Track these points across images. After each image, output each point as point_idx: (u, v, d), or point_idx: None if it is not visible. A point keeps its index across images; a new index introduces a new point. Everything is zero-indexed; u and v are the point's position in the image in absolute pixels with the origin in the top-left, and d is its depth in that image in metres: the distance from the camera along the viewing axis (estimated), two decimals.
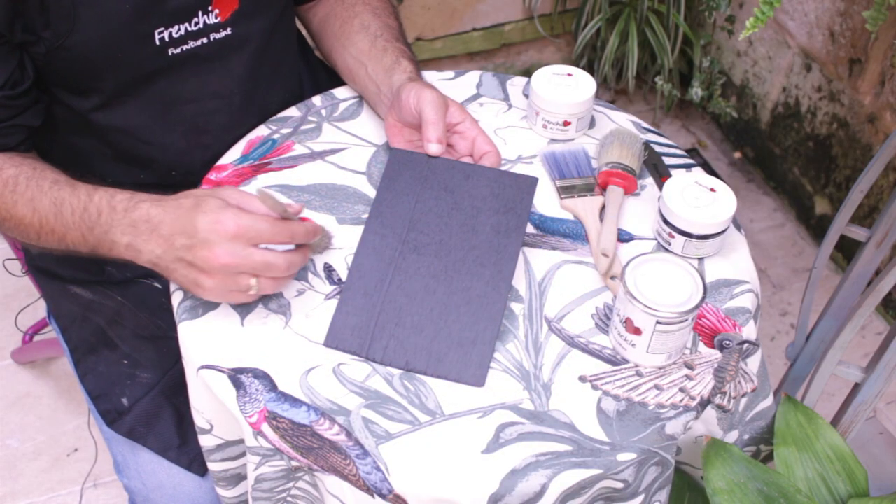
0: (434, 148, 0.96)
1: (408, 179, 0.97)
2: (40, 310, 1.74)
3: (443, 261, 0.92)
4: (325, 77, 1.26)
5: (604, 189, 1.03)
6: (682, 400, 0.86)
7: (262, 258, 0.82)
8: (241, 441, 0.93)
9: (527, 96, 1.15)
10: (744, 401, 0.94)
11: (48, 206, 0.91)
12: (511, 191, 0.96)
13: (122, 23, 0.92)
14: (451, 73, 1.19)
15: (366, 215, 0.98)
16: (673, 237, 0.96)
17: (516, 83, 1.18)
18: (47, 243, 0.94)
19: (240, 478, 0.99)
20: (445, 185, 0.96)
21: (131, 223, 0.85)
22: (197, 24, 0.97)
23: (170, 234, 0.83)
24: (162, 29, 0.95)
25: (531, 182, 0.96)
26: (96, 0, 0.90)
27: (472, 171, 0.97)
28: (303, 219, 0.89)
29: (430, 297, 0.90)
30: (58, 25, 0.89)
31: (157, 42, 0.95)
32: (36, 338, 1.75)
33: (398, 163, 0.98)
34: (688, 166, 1.09)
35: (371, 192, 1.02)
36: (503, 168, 1.04)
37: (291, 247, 0.86)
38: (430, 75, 1.16)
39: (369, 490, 0.80)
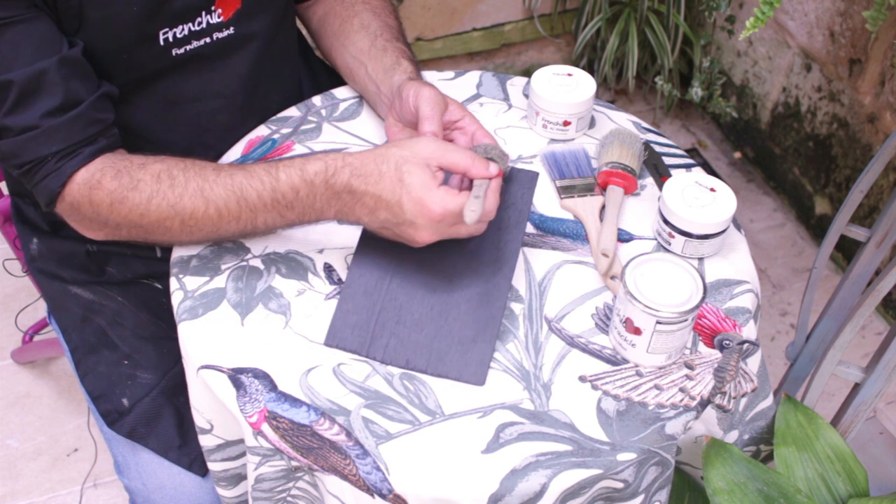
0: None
1: None
2: (40, 310, 1.74)
3: (443, 259, 0.92)
4: (326, 77, 1.26)
5: (604, 189, 1.03)
6: (682, 400, 0.86)
7: (467, 233, 0.87)
8: (242, 441, 0.93)
9: (527, 96, 1.15)
10: (744, 401, 0.94)
11: (224, 194, 0.88)
12: (512, 186, 0.95)
13: (128, 24, 0.92)
14: (451, 73, 1.19)
15: None
16: (673, 237, 0.96)
17: (516, 83, 1.18)
18: (226, 232, 0.91)
19: (240, 478, 0.99)
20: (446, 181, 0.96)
21: (335, 194, 0.87)
22: (200, 23, 0.97)
23: (374, 208, 0.86)
24: (166, 29, 0.95)
25: (532, 177, 0.96)
26: (104, 1, 0.90)
27: None
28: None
29: (430, 295, 0.90)
30: (65, 25, 0.89)
31: (162, 42, 0.96)
32: (36, 338, 1.75)
33: None
34: (688, 166, 1.09)
35: None
36: None
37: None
38: (430, 75, 1.16)
39: (369, 490, 0.80)
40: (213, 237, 0.93)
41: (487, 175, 0.86)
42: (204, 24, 0.97)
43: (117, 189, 0.89)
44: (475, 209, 0.83)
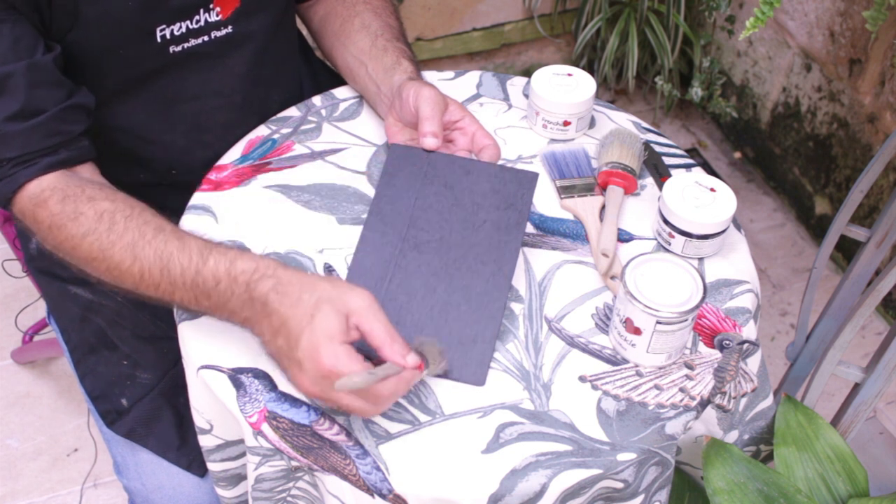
0: (429, 142, 0.95)
1: (407, 175, 0.97)
2: (40, 310, 1.74)
3: (443, 258, 0.92)
4: (326, 77, 1.26)
5: (604, 189, 1.03)
6: (682, 400, 0.86)
7: (347, 404, 0.78)
8: (241, 441, 0.93)
9: (527, 96, 1.15)
10: (744, 401, 0.94)
11: (152, 258, 0.85)
12: (511, 186, 0.95)
13: (123, 20, 0.92)
14: (451, 73, 1.19)
15: (366, 215, 0.98)
16: (673, 237, 0.96)
17: (516, 83, 1.18)
18: (145, 293, 0.87)
19: (240, 478, 0.99)
20: (445, 180, 0.96)
21: (250, 299, 0.81)
22: (198, 21, 0.97)
23: (276, 330, 0.79)
24: (164, 26, 0.95)
25: (532, 177, 0.96)
26: None
27: (472, 167, 0.97)
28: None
29: (430, 295, 0.90)
30: (59, 21, 0.89)
31: (159, 40, 0.95)
32: (36, 338, 1.75)
33: (397, 158, 0.98)
34: (688, 166, 1.09)
35: (371, 192, 1.02)
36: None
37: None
38: (430, 75, 1.16)
39: (369, 490, 0.80)
40: (134, 293, 0.88)
41: (400, 363, 0.78)
42: (202, 22, 0.97)
43: (59, 214, 0.87)
44: (357, 381, 0.74)
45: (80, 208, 0.87)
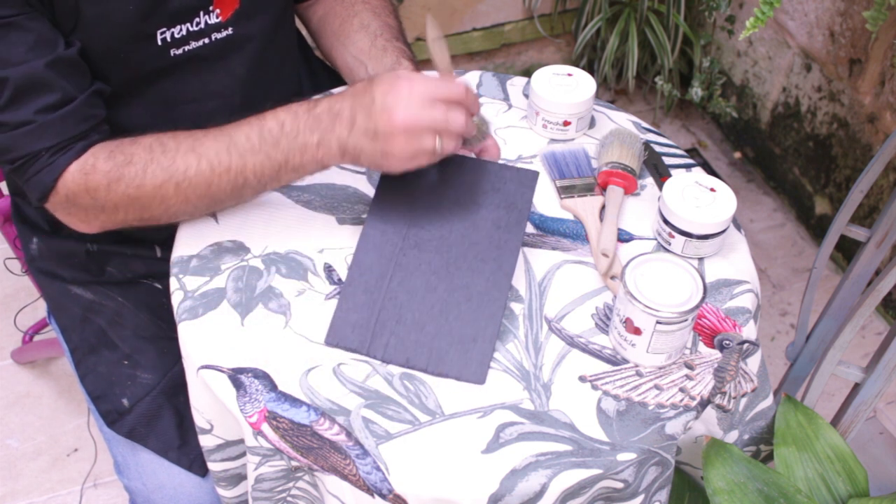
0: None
1: (408, 174, 0.97)
2: (40, 310, 1.74)
3: (443, 257, 0.92)
4: (325, 77, 1.25)
5: (604, 189, 1.03)
6: (682, 400, 0.86)
7: (441, 115, 0.84)
8: (242, 441, 0.93)
9: (527, 96, 1.15)
10: (744, 401, 0.94)
11: (214, 145, 0.89)
12: (512, 185, 0.95)
13: (124, 22, 0.92)
14: None
15: (366, 214, 0.98)
16: (673, 237, 0.96)
17: (516, 83, 1.18)
18: (219, 190, 0.91)
19: (240, 478, 0.99)
20: (445, 179, 0.96)
21: (315, 119, 0.87)
22: (198, 24, 0.97)
23: (351, 116, 0.85)
24: (164, 29, 0.95)
25: (532, 176, 0.96)
26: None
27: (473, 166, 0.97)
28: None
29: (430, 293, 0.90)
30: (61, 23, 0.90)
31: (160, 42, 0.96)
32: (36, 338, 1.75)
33: None
34: (688, 166, 1.09)
35: (371, 192, 1.02)
36: None
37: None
38: (430, 75, 1.16)
39: (369, 490, 0.80)
40: (207, 200, 0.92)
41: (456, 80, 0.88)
42: (202, 25, 0.97)
43: (113, 168, 0.90)
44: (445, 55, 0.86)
45: (128, 150, 0.90)
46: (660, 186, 1.05)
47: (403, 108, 0.83)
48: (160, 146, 0.90)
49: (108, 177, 0.90)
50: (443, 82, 0.86)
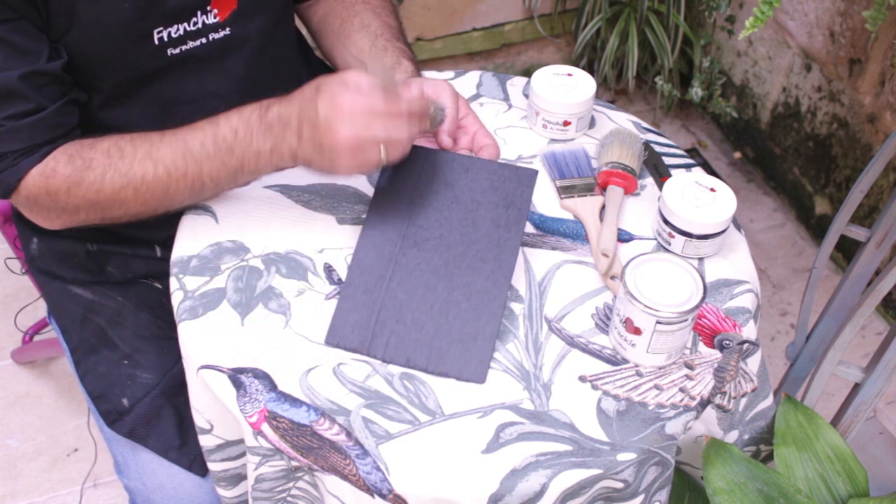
0: (445, 140, 0.97)
1: (407, 173, 0.97)
2: (40, 310, 1.74)
3: (443, 256, 0.92)
4: None
5: (604, 189, 1.03)
6: (682, 400, 0.86)
7: (383, 130, 0.84)
8: (241, 441, 0.93)
9: (527, 96, 1.15)
10: (744, 401, 0.94)
11: (170, 152, 0.90)
12: (511, 184, 0.95)
13: (120, 22, 0.92)
14: (451, 73, 1.19)
15: (366, 214, 0.98)
16: (673, 237, 0.96)
17: (516, 83, 1.18)
18: (177, 193, 0.92)
19: (240, 478, 0.99)
20: (444, 178, 0.96)
21: (267, 127, 0.88)
22: (196, 24, 0.97)
23: (298, 126, 0.86)
24: (161, 29, 0.95)
25: (531, 175, 0.96)
26: None
27: (472, 164, 0.97)
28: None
29: (430, 293, 0.90)
30: (57, 23, 0.89)
31: (157, 42, 0.95)
32: (36, 338, 1.75)
33: None
34: (688, 166, 1.09)
35: (371, 192, 1.02)
36: None
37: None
38: (430, 75, 1.16)
39: (369, 490, 0.80)
40: (166, 202, 0.93)
41: (405, 88, 0.89)
42: (199, 25, 0.97)
43: (73, 173, 0.91)
44: (381, 72, 0.85)
45: (87, 155, 0.91)
46: (660, 186, 1.05)
47: (346, 124, 0.83)
48: (118, 151, 0.91)
49: (68, 181, 0.91)
50: (385, 95, 0.85)
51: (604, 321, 0.92)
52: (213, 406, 0.90)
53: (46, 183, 0.92)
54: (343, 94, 0.84)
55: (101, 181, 0.91)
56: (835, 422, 1.15)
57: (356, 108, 0.83)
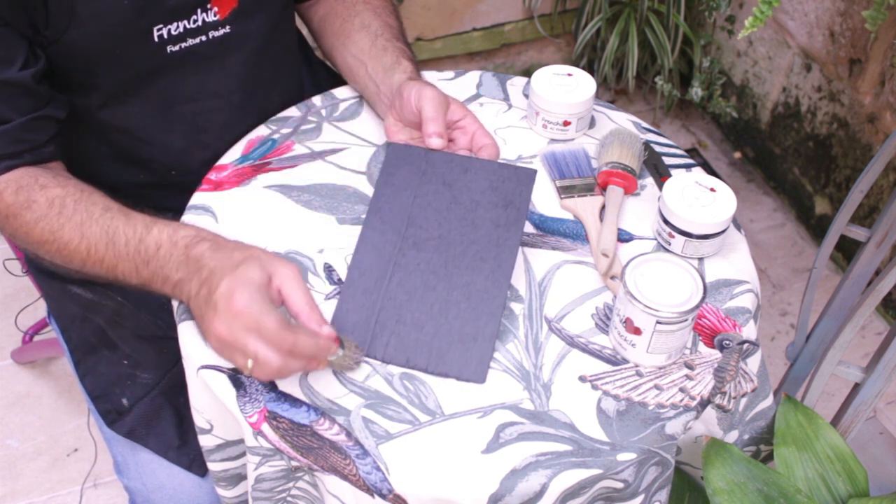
0: (435, 142, 0.96)
1: (406, 174, 0.97)
2: (40, 310, 1.74)
3: (442, 256, 0.92)
4: (326, 77, 1.25)
5: (604, 189, 1.03)
6: (682, 400, 0.86)
7: (254, 349, 0.78)
8: (241, 441, 0.93)
9: (527, 96, 1.15)
10: (744, 401, 0.94)
11: (98, 234, 0.89)
12: (510, 184, 0.95)
13: (120, 19, 0.92)
14: (451, 73, 1.19)
15: (365, 214, 0.98)
16: (673, 237, 0.96)
17: (516, 83, 1.18)
18: (92, 270, 0.91)
19: (240, 478, 0.99)
20: (444, 178, 0.96)
21: (186, 259, 0.85)
22: (196, 21, 0.97)
23: (202, 282, 0.82)
24: (161, 26, 0.95)
25: (530, 174, 0.96)
26: None
27: (471, 165, 0.97)
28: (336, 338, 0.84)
29: (430, 293, 0.90)
30: (56, 21, 0.89)
31: (156, 39, 0.95)
32: (36, 338, 1.75)
33: (396, 157, 0.98)
34: (688, 166, 1.09)
35: (371, 192, 1.02)
36: None
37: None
38: (430, 75, 1.16)
39: (369, 490, 0.80)
40: (83, 272, 0.93)
41: (315, 329, 0.80)
42: (199, 22, 0.97)
43: (13, 205, 0.91)
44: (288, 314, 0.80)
45: (32, 196, 0.91)
46: (660, 186, 1.05)
47: (224, 321, 0.78)
48: (59, 206, 0.91)
49: (8, 210, 0.92)
50: (279, 325, 0.78)
51: (604, 321, 0.92)
52: (213, 406, 0.90)
53: None
54: (243, 293, 0.78)
55: (33, 226, 0.91)
56: (835, 422, 1.15)
57: (244, 313, 0.77)
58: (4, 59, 0.88)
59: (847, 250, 1.96)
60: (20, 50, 0.89)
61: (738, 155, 2.24)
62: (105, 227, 0.89)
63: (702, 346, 0.91)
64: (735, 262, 0.98)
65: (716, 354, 0.90)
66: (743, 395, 0.93)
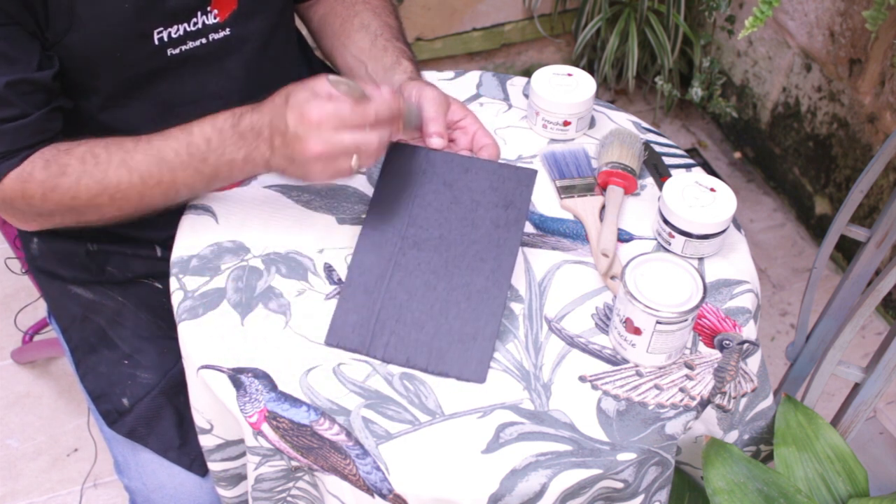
0: (436, 142, 0.96)
1: (406, 173, 0.97)
2: (40, 310, 1.74)
3: (443, 256, 0.92)
4: None
5: (604, 189, 1.03)
6: (682, 400, 0.86)
7: (352, 140, 0.84)
8: (242, 441, 0.93)
9: (527, 96, 1.15)
10: (744, 401, 0.94)
11: (145, 160, 0.90)
12: (510, 184, 0.95)
13: (120, 22, 0.92)
14: (451, 73, 1.19)
15: (365, 214, 0.98)
16: (673, 237, 0.96)
17: (516, 83, 1.18)
18: (152, 199, 0.93)
19: (240, 478, 0.99)
20: (444, 178, 0.96)
21: (240, 136, 0.88)
22: (196, 24, 0.97)
23: (270, 136, 0.87)
24: (161, 29, 0.95)
25: (530, 174, 0.96)
26: None
27: (471, 164, 0.97)
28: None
29: (430, 293, 0.90)
30: (56, 23, 0.90)
31: (156, 42, 0.96)
32: (36, 338, 1.75)
33: (396, 157, 0.98)
34: (688, 166, 1.09)
35: (371, 192, 1.02)
36: None
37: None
38: (430, 75, 1.16)
39: (369, 490, 0.80)
40: (142, 207, 0.94)
41: (375, 92, 0.87)
42: (199, 25, 0.97)
43: (48, 178, 0.92)
44: (345, 81, 0.84)
45: (62, 161, 0.92)
46: (660, 186, 1.05)
47: (315, 137, 0.84)
48: (93, 157, 0.91)
49: (44, 186, 0.92)
50: (353, 103, 0.85)
51: (604, 321, 0.92)
52: (213, 406, 0.90)
53: (23, 188, 0.92)
54: (311, 105, 0.84)
55: (76, 187, 0.91)
56: (835, 422, 1.15)
57: (324, 118, 0.83)
58: (21, 59, 0.89)
59: (847, 250, 1.96)
60: (34, 50, 0.90)
61: (738, 155, 2.24)
62: (148, 152, 0.90)
63: (702, 346, 0.91)
64: (735, 262, 0.98)
65: (716, 354, 0.90)
66: (743, 395, 0.93)
